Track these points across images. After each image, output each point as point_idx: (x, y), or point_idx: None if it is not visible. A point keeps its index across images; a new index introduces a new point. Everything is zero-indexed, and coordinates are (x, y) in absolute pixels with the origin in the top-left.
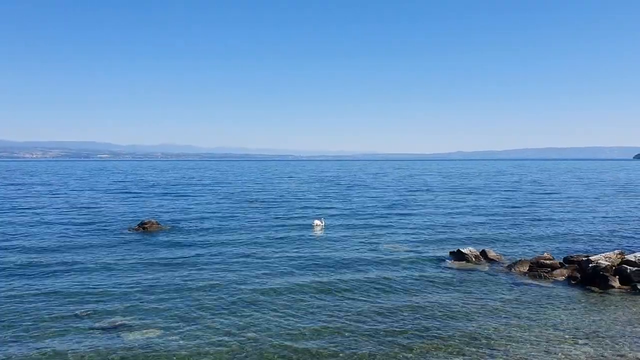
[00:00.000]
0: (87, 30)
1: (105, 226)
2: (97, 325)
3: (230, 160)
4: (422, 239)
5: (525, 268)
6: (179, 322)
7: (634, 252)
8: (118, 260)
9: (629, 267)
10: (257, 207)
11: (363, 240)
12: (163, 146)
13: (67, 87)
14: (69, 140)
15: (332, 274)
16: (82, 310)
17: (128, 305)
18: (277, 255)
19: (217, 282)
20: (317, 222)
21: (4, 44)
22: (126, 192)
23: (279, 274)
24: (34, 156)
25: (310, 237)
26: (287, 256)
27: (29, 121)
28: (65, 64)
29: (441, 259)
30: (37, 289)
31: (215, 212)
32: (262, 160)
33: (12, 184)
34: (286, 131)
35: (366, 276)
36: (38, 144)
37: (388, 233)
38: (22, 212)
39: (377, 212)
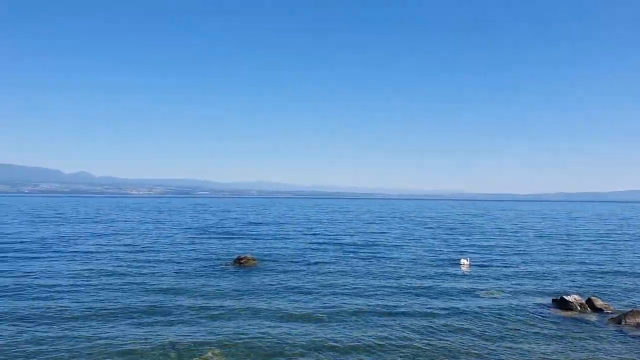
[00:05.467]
0: (191, 76)
1: (205, 261)
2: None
3: (321, 197)
4: (523, 285)
5: (639, 319)
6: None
7: None
8: (218, 289)
9: None
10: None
11: (458, 285)
12: (259, 183)
13: (170, 129)
14: (173, 177)
15: (430, 317)
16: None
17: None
18: (376, 283)
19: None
20: (463, 260)
21: (126, 93)
22: (223, 228)
23: (372, 299)
24: (140, 193)
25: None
26: (397, 287)
27: (137, 160)
28: (170, 108)
29: (543, 306)
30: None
31: (304, 250)
32: (353, 198)
33: (128, 220)
34: (375, 169)
35: (466, 320)
36: (145, 182)
37: (489, 278)
38: (140, 250)
39: (481, 256)
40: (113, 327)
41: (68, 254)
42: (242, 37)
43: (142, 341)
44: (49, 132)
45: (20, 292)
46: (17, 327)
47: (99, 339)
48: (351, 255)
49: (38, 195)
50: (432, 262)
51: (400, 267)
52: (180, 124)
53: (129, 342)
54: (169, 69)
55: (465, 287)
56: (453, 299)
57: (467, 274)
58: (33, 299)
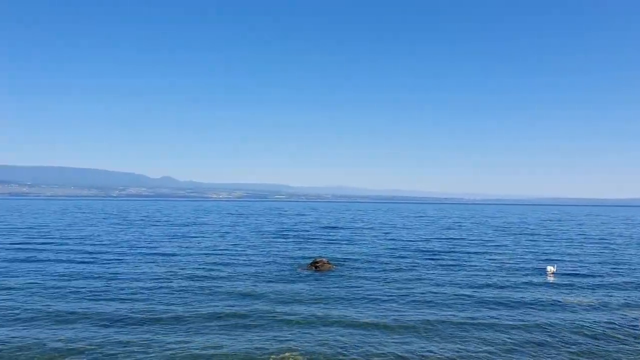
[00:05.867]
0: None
1: (281, 264)
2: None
3: (398, 202)
4: (613, 297)
5: None
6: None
7: None
8: (295, 294)
9: None
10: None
11: (542, 295)
12: (335, 188)
13: (249, 134)
14: (251, 182)
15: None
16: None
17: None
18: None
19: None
20: (550, 268)
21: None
22: (298, 231)
23: (387, 312)
24: (220, 196)
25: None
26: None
27: (218, 165)
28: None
29: (636, 320)
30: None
31: (380, 254)
32: (431, 203)
33: (207, 223)
34: (456, 173)
35: (550, 335)
36: (225, 186)
37: (575, 287)
38: (219, 252)
39: (567, 264)
40: (190, 329)
41: (152, 255)
42: (319, 38)
43: (220, 346)
44: (135, 139)
45: (109, 294)
46: (106, 330)
47: (181, 343)
48: (428, 261)
49: (125, 199)
50: (513, 270)
51: (480, 275)
52: (258, 129)
53: (208, 346)
54: (248, 72)
55: (550, 297)
56: (536, 311)
57: (552, 283)
58: (120, 300)
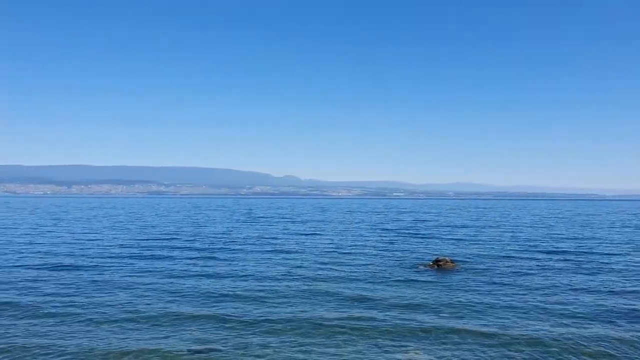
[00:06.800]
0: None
1: (402, 262)
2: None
3: (524, 199)
4: None
5: None
6: None
7: None
8: (416, 296)
9: None
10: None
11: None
12: (457, 184)
13: (366, 133)
14: (369, 180)
15: None
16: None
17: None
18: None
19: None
20: None
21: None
22: (418, 229)
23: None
24: (340, 194)
25: None
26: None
27: (337, 164)
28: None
29: None
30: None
31: (505, 255)
32: (559, 199)
33: (324, 221)
34: (585, 167)
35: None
36: (344, 184)
37: None
38: (337, 250)
39: None
40: (306, 334)
41: (272, 253)
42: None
43: (342, 345)
44: (261, 139)
45: (235, 294)
46: (237, 332)
47: (299, 345)
48: (561, 264)
49: (252, 197)
50: None
51: (620, 283)
52: (376, 128)
53: (330, 346)
54: (372, 75)
55: None
56: None
57: None
58: (243, 300)
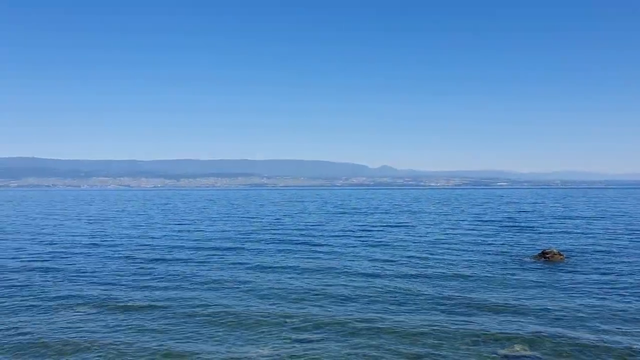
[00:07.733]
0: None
1: (506, 255)
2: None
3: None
4: None
5: None
6: None
7: None
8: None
9: None
10: None
11: None
12: (564, 173)
13: (467, 122)
14: (470, 169)
15: None
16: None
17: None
18: None
19: None
20: None
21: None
22: (522, 220)
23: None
24: (438, 184)
25: None
26: None
27: (435, 154)
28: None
29: None
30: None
31: (621, 250)
32: None
33: (420, 211)
34: None
35: None
36: (443, 173)
37: None
38: (437, 240)
39: None
40: (412, 310)
41: (367, 247)
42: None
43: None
44: (357, 130)
45: (324, 290)
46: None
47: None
48: None
49: (348, 188)
50: None
51: None
52: (476, 115)
53: (435, 330)
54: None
55: None
56: None
57: None
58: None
